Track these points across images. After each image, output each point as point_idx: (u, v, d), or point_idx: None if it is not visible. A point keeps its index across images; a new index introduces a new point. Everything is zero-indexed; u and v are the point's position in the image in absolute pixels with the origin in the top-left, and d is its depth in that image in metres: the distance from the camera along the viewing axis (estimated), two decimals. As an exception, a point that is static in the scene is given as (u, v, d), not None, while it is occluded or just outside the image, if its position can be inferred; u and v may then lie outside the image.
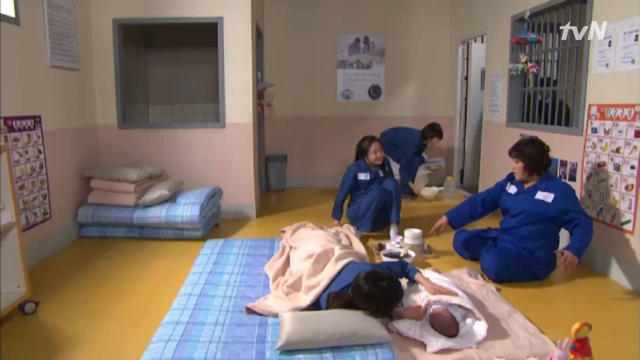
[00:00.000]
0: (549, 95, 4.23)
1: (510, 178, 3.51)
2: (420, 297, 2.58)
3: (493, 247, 3.43)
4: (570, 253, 2.91)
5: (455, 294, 2.53)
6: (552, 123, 4.09)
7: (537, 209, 3.21)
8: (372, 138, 4.38)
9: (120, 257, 3.72)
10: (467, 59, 6.23)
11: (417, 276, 2.69)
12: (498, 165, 4.85)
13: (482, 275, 3.28)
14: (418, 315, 2.46)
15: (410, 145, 5.74)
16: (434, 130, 5.71)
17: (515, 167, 3.33)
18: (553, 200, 3.16)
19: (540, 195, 3.23)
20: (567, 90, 4.06)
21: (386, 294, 2.34)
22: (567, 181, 3.79)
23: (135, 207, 4.17)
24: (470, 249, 3.59)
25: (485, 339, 2.34)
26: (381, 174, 4.41)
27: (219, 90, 4.76)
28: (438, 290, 2.55)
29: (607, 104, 3.32)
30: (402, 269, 2.73)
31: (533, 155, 3.24)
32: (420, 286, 2.70)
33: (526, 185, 3.35)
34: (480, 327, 2.40)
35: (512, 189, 3.46)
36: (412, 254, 3.49)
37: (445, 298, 2.50)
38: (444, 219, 3.63)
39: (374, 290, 2.31)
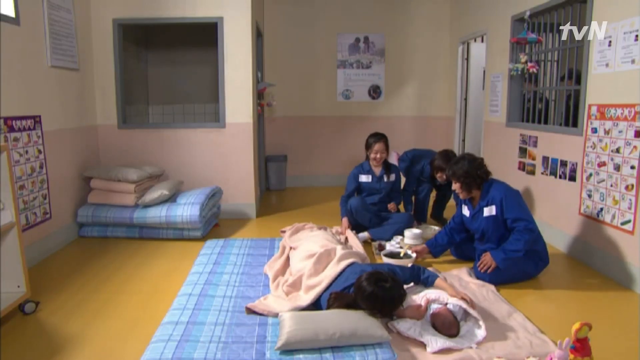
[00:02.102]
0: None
1: (460, 199, 3.46)
2: (419, 297, 2.58)
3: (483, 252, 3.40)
4: (490, 258, 3.10)
5: (473, 305, 2.53)
6: (560, 123, 4.06)
7: (489, 225, 3.22)
8: (380, 137, 4.17)
9: (120, 257, 3.72)
10: (467, 58, 6.23)
11: (437, 281, 2.66)
12: (498, 166, 4.85)
13: (475, 277, 3.27)
14: (419, 314, 2.46)
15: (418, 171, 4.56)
16: (443, 160, 4.12)
17: (455, 187, 3.29)
18: (496, 211, 3.16)
19: (486, 211, 3.22)
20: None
21: (389, 295, 2.33)
22: (566, 181, 3.79)
23: (135, 207, 4.17)
24: (465, 251, 3.60)
25: (485, 339, 2.34)
26: (386, 179, 4.23)
27: (219, 90, 4.76)
28: (462, 296, 2.53)
29: (607, 104, 3.32)
30: (417, 274, 2.70)
31: (465, 172, 3.19)
32: (419, 287, 2.70)
33: (474, 204, 3.32)
34: (479, 329, 2.40)
35: (466, 211, 3.41)
36: (413, 255, 3.48)
37: (456, 301, 2.49)
38: (424, 248, 3.54)
39: (377, 292, 2.30)
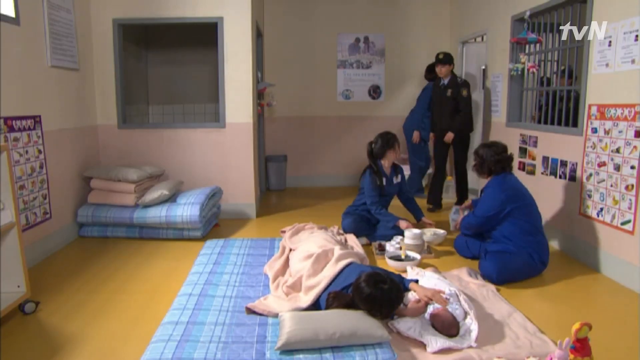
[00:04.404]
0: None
1: None
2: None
3: (487, 252, 3.40)
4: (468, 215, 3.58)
5: (445, 302, 2.52)
6: (559, 123, 4.06)
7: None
8: (395, 137, 4.09)
9: (120, 257, 3.72)
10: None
11: (411, 285, 2.67)
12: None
13: (482, 275, 3.27)
14: (419, 310, 2.47)
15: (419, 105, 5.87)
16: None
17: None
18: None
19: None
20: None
21: (387, 296, 2.33)
22: (566, 181, 3.79)
23: (135, 207, 4.17)
24: (471, 247, 3.60)
25: (486, 339, 2.34)
26: (394, 181, 4.16)
27: (219, 90, 4.76)
28: (429, 297, 2.53)
29: (607, 104, 3.32)
30: (400, 279, 2.72)
31: (483, 156, 3.42)
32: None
33: None
34: (474, 326, 2.41)
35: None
36: (418, 256, 3.47)
37: (437, 304, 2.51)
38: (469, 203, 3.91)
39: (376, 293, 2.30)
